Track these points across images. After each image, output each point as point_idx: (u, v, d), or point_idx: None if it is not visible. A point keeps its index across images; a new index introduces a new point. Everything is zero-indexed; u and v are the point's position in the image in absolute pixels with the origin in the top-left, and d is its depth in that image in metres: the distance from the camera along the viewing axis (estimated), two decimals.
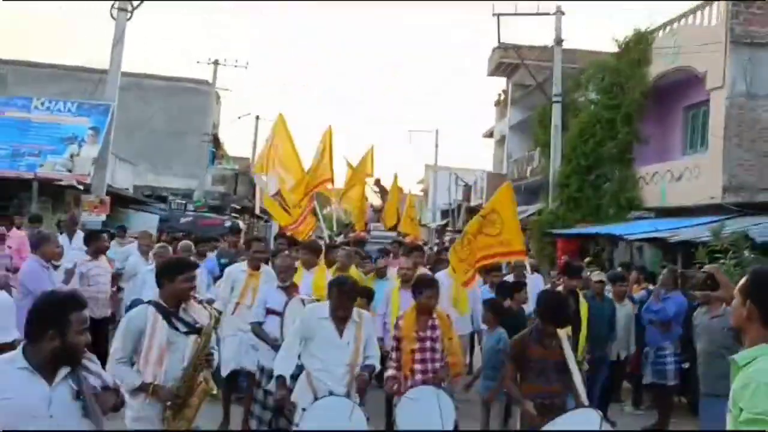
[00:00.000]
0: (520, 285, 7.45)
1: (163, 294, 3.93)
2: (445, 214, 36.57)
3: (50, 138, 12.56)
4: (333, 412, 4.19)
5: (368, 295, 6.70)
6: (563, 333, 4.69)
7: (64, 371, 2.69)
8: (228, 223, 15.25)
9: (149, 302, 4.01)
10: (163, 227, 12.52)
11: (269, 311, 5.61)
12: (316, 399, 4.30)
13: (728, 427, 2.63)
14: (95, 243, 7.33)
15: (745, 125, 13.14)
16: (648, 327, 7.60)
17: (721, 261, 9.50)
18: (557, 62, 16.57)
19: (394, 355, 5.10)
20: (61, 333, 2.64)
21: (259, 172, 10.82)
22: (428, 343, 5.04)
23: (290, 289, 5.75)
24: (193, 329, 3.87)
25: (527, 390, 4.57)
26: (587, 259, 11.82)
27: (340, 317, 4.51)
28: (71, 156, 12.35)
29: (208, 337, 3.88)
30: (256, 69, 50.22)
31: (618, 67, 16.34)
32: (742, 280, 2.73)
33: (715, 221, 11.87)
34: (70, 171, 12.64)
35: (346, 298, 4.53)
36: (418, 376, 4.95)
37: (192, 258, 7.43)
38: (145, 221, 14.09)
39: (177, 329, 3.86)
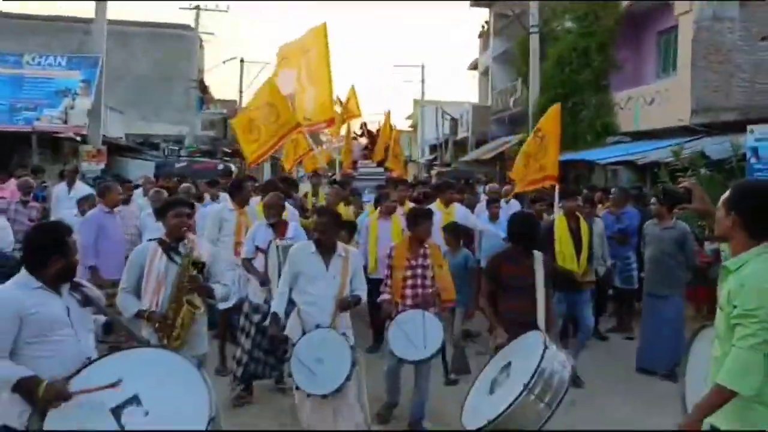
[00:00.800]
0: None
1: (164, 231, 4.28)
2: (433, 149, 36.88)
3: (44, 92, 13.01)
4: (318, 343, 4.36)
5: (350, 229, 7.16)
6: (539, 254, 4.73)
7: (66, 287, 3.21)
8: (221, 166, 15.86)
9: (155, 239, 4.30)
10: (160, 173, 13.08)
11: (257, 249, 5.74)
12: (303, 333, 4.46)
13: (717, 321, 2.90)
14: (126, 191, 8.12)
15: (711, 48, 13.61)
16: (609, 242, 8.36)
17: (681, 178, 10.31)
18: None
19: (388, 281, 5.31)
20: (63, 255, 3.15)
21: (282, 68, 9.67)
22: (419, 271, 5.25)
23: (278, 227, 5.80)
24: (193, 262, 4.13)
25: (502, 308, 4.68)
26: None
27: (325, 246, 4.61)
28: (66, 108, 12.84)
29: (188, 260, 4.08)
30: (238, 13, 49.42)
31: None
32: (726, 194, 2.94)
33: (682, 142, 12.56)
34: (65, 123, 13.16)
35: (326, 224, 4.62)
36: (408, 301, 5.17)
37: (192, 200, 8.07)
38: (142, 168, 14.67)
39: (175, 262, 4.14)
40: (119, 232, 7.02)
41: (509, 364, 3.99)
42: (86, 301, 3.25)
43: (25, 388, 2.91)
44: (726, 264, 2.92)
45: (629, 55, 16.85)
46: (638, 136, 15.66)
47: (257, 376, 5.80)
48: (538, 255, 4.69)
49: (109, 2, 13.44)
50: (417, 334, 4.91)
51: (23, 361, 2.99)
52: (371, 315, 7.55)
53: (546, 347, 3.86)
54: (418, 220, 5.37)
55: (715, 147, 10.46)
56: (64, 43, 20.93)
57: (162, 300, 4.07)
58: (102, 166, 12.69)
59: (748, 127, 8.82)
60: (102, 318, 3.43)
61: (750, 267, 2.82)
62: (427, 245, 5.32)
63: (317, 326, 4.42)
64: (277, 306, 4.66)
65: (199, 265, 4.15)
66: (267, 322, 4.95)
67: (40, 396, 2.87)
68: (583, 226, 6.77)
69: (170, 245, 4.17)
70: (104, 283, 5.96)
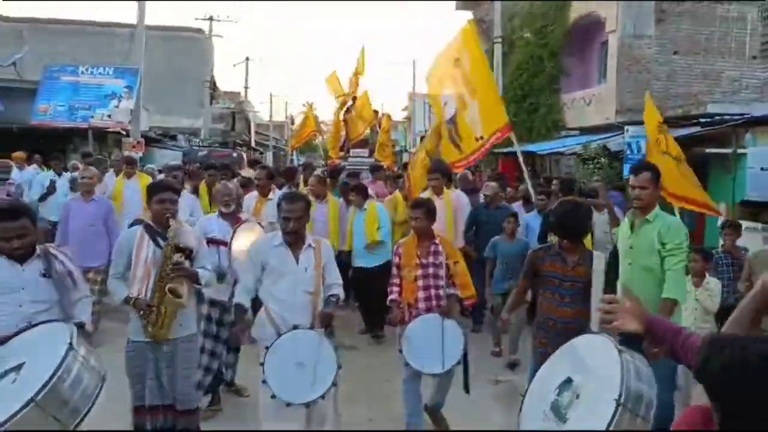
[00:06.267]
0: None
1: (151, 215, 4.19)
2: (423, 139, 39.53)
3: (96, 95, 16.23)
4: (298, 346, 3.89)
5: None
6: (600, 255, 3.92)
7: (33, 257, 3.45)
8: (234, 155, 19.07)
9: (139, 222, 4.27)
10: (186, 160, 16.24)
11: (210, 241, 5.09)
12: (279, 335, 3.95)
13: (654, 256, 3.90)
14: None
15: (632, 60, 16.81)
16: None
17: (589, 165, 13.60)
18: (497, 10, 19.93)
19: (395, 281, 4.85)
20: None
21: (434, 93, 8.96)
22: (431, 270, 4.78)
23: (232, 217, 5.43)
24: (177, 248, 4.04)
25: (541, 308, 4.18)
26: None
27: (286, 233, 4.13)
28: (113, 109, 16.10)
29: (170, 248, 3.98)
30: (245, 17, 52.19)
31: (544, 12, 19.87)
32: (647, 175, 4.09)
33: (607, 137, 15.72)
34: (109, 117, 16.42)
35: (290, 211, 4.12)
36: (421, 304, 4.72)
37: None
38: (172, 156, 17.90)
39: (161, 247, 4.03)
40: (84, 222, 6.98)
41: (570, 380, 2.92)
42: (49, 273, 3.47)
43: None
44: (647, 217, 4.08)
45: (577, 62, 19.95)
46: (584, 131, 18.82)
47: (224, 380, 5.49)
48: (598, 254, 3.93)
49: (126, 8, 16.64)
50: (434, 342, 4.47)
51: None
52: (359, 300, 8.00)
53: (620, 353, 2.69)
54: (411, 210, 5.04)
55: (615, 141, 13.67)
56: (91, 46, 24.00)
57: (150, 286, 3.99)
58: (141, 154, 15.87)
59: (625, 128, 12.00)
60: (78, 319, 3.48)
61: (663, 216, 3.99)
62: (437, 240, 4.89)
63: (295, 327, 3.96)
64: (242, 298, 4.15)
65: (187, 252, 4.08)
66: (230, 317, 4.62)
67: None
68: None
69: (156, 230, 4.07)
70: None
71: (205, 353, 5.16)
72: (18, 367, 2.91)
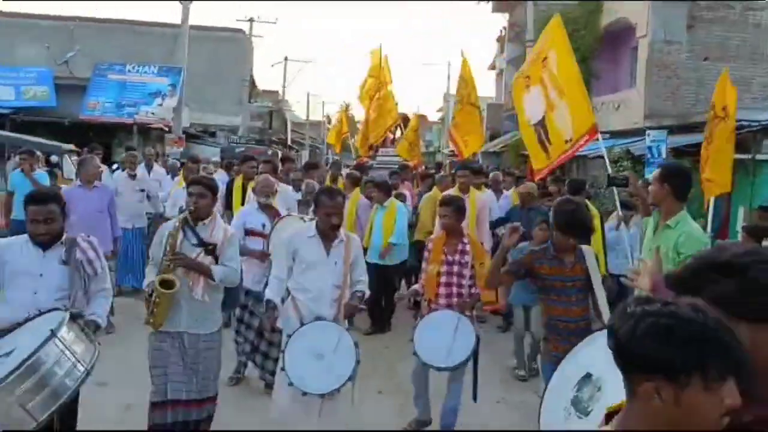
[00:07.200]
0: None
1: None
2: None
3: (141, 93, 17.15)
4: (319, 337, 3.98)
5: None
6: (589, 248, 4.18)
7: (56, 244, 3.50)
8: (269, 152, 19.81)
9: (182, 214, 4.29)
10: (224, 156, 16.97)
11: (248, 232, 5.52)
12: (302, 324, 4.07)
13: (669, 265, 3.46)
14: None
15: (662, 65, 16.98)
16: None
17: (613, 168, 13.87)
18: (530, 14, 20.26)
19: (424, 274, 4.92)
20: (28, 221, 3.49)
21: (519, 93, 8.03)
22: (455, 268, 4.79)
23: (269, 209, 5.67)
24: (200, 243, 4.08)
25: (546, 312, 4.16)
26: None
27: (330, 228, 4.24)
28: (157, 106, 16.96)
29: (173, 239, 4.01)
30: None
31: (576, 17, 20.13)
32: (656, 172, 3.89)
33: (634, 141, 15.96)
34: (153, 114, 17.28)
35: (334, 206, 4.24)
36: (442, 300, 4.74)
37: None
38: (211, 152, 18.70)
39: (189, 240, 4.10)
40: (92, 208, 6.95)
41: (589, 375, 2.97)
42: (68, 261, 3.50)
43: None
44: (668, 222, 3.80)
45: (609, 66, 20.12)
46: (614, 134, 19.00)
47: (253, 361, 5.64)
48: (588, 249, 4.14)
49: (167, 8, 17.45)
50: (447, 338, 4.49)
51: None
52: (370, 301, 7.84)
53: None
54: (439, 208, 5.04)
55: (638, 145, 13.93)
56: (138, 44, 24.93)
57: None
58: (182, 149, 16.68)
59: (646, 132, 12.26)
60: (91, 313, 3.53)
61: (685, 224, 3.72)
62: (466, 240, 4.88)
63: (317, 318, 4.08)
64: (273, 293, 4.27)
65: (210, 247, 4.10)
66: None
67: None
68: (595, 218, 6.46)
69: (189, 223, 4.12)
70: None
71: (240, 336, 5.63)
72: (8, 353, 3.06)
